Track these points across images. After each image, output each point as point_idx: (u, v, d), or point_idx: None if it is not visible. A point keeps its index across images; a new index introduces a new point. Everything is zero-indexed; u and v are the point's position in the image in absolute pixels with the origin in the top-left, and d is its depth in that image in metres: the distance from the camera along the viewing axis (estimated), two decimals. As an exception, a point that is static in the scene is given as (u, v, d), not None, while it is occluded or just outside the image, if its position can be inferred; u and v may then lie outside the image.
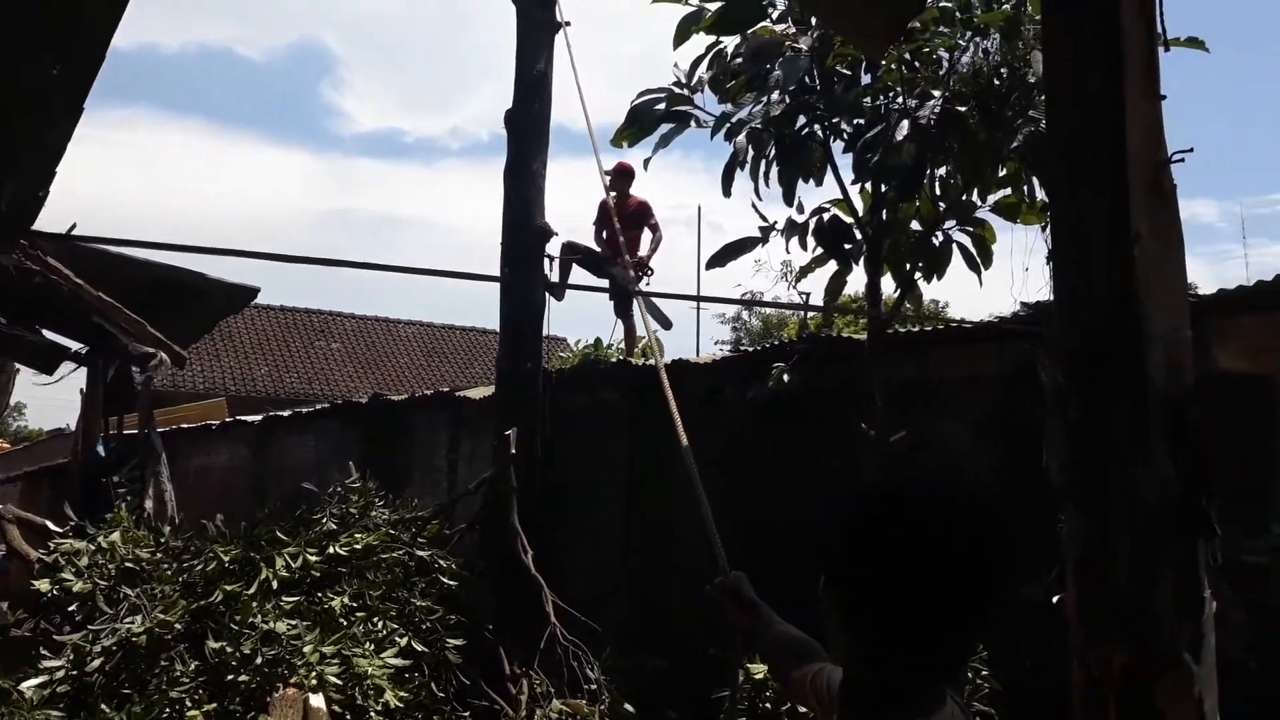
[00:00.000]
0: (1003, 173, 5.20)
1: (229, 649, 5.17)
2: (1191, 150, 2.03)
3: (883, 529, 1.30)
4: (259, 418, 11.08)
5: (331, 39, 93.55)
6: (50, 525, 6.94)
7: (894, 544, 1.27)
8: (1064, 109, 2.00)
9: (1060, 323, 1.97)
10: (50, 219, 6.40)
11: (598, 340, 10.50)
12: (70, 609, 5.65)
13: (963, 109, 4.77)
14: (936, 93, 4.86)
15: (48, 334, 8.85)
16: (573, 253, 9.03)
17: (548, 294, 8.23)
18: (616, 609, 7.16)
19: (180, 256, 7.86)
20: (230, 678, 5.08)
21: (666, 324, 9.23)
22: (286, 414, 10.87)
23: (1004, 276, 5.82)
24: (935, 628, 1.25)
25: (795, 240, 5.53)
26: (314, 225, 68.20)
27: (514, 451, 7.15)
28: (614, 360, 9.14)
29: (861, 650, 1.32)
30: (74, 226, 7.53)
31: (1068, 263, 1.94)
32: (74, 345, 8.88)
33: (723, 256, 5.64)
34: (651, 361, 8.87)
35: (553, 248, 8.23)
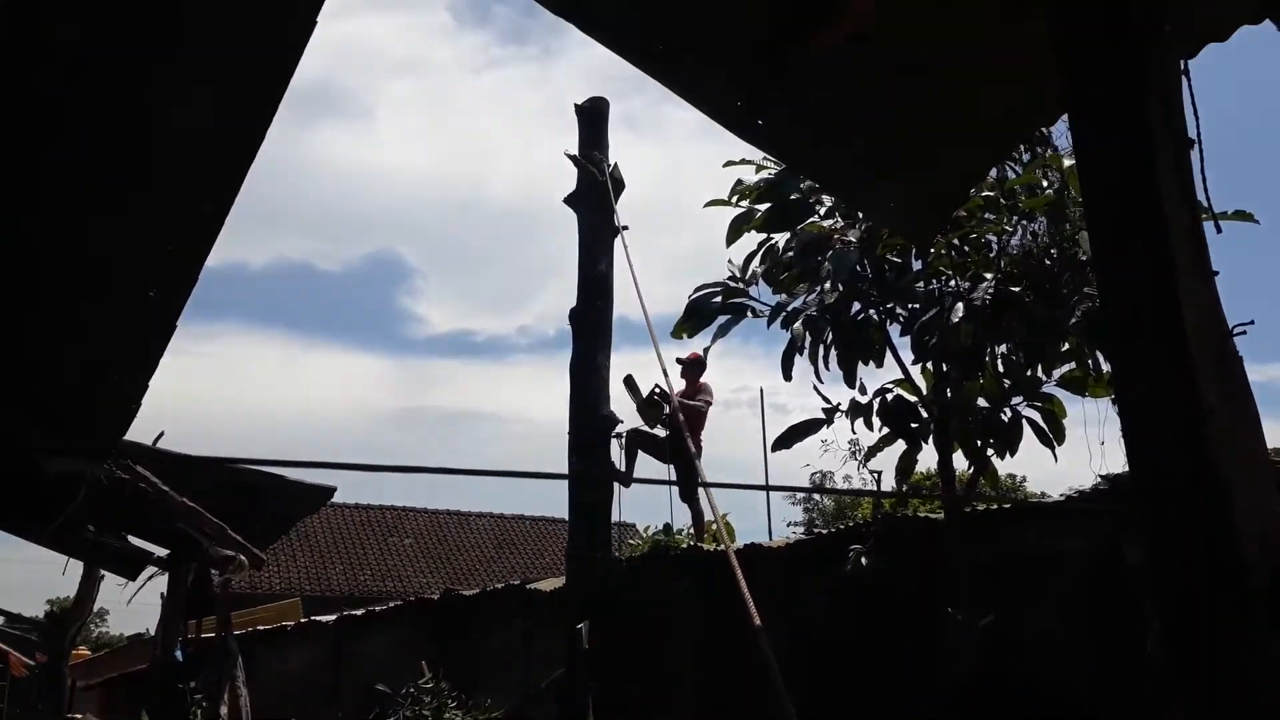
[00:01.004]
0: (1065, 347, 5.20)
1: None
2: (1253, 322, 2.04)
3: None
4: (333, 618, 11.08)
5: (406, 250, 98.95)
6: (126, 737, 6.90)
7: None
8: (1116, 294, 2.03)
9: (1142, 507, 1.92)
10: (139, 425, 6.74)
11: (667, 526, 10.39)
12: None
13: (1016, 289, 4.84)
14: (988, 275, 4.96)
15: (131, 539, 9.08)
16: (638, 440, 9.11)
17: (615, 482, 8.27)
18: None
19: (266, 451, 8.14)
20: None
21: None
22: (360, 613, 10.85)
23: (1081, 448, 5.72)
24: None
25: (861, 420, 5.53)
26: (389, 424, 70.02)
27: (586, 646, 7.00)
28: (684, 545, 9.02)
29: None
30: (161, 436, 7.87)
31: (1141, 445, 1.92)
32: (156, 550, 9.07)
33: (788, 438, 5.65)
34: (723, 546, 8.74)
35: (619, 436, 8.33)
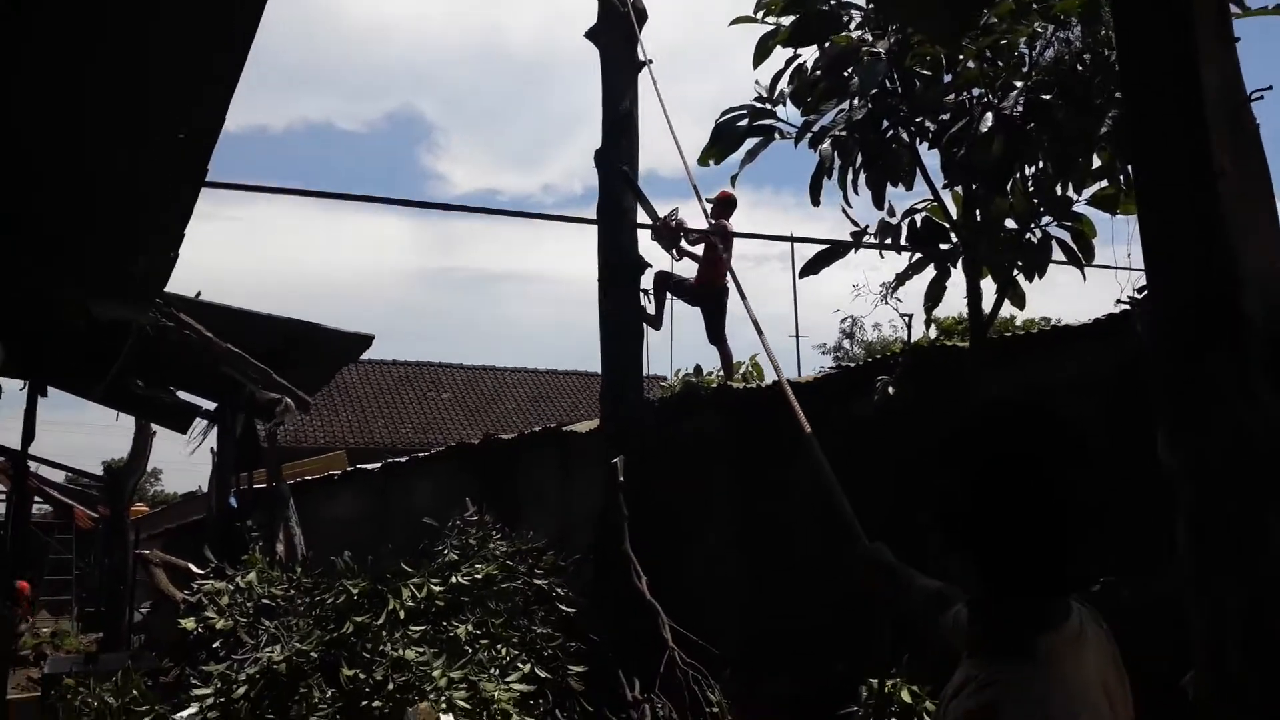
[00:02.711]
0: (1096, 164, 5.11)
1: (362, 676, 5.37)
2: (1270, 88, 2.02)
3: (986, 456, 1.35)
4: (378, 465, 11.47)
5: (426, 107, 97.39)
6: (193, 568, 7.33)
7: (998, 469, 1.32)
8: (1134, 55, 2.02)
9: (1149, 268, 1.96)
10: (176, 290, 6.98)
11: (698, 367, 10.57)
12: (215, 645, 5.95)
13: (1047, 98, 4.72)
14: (1019, 84, 4.84)
15: (180, 394, 9.41)
16: (666, 283, 9.18)
17: (645, 325, 8.39)
18: (733, 631, 7.15)
19: (297, 312, 8.31)
20: (365, 703, 5.28)
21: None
22: (404, 460, 11.23)
23: (1109, 275, 5.68)
24: (1045, 546, 1.29)
25: (889, 242, 5.52)
26: (417, 284, 70.52)
27: (621, 479, 7.27)
28: (714, 385, 9.20)
29: (979, 576, 1.35)
30: (199, 293, 8.07)
31: (1151, 206, 1.94)
32: (204, 404, 9.41)
33: (817, 263, 5.67)
34: (751, 385, 8.90)
35: (646, 280, 8.41)
